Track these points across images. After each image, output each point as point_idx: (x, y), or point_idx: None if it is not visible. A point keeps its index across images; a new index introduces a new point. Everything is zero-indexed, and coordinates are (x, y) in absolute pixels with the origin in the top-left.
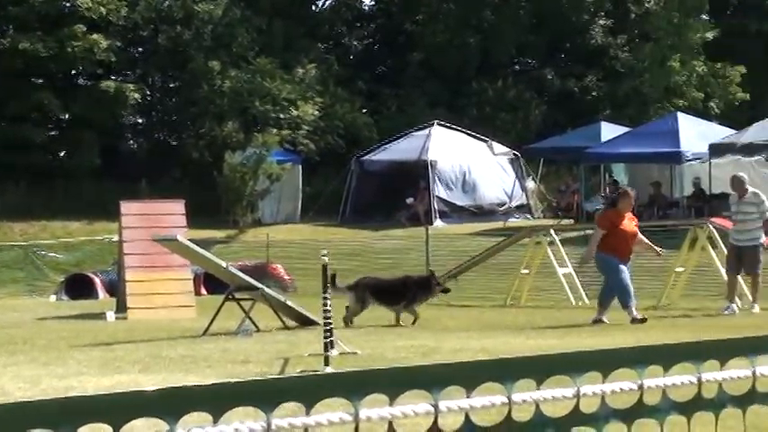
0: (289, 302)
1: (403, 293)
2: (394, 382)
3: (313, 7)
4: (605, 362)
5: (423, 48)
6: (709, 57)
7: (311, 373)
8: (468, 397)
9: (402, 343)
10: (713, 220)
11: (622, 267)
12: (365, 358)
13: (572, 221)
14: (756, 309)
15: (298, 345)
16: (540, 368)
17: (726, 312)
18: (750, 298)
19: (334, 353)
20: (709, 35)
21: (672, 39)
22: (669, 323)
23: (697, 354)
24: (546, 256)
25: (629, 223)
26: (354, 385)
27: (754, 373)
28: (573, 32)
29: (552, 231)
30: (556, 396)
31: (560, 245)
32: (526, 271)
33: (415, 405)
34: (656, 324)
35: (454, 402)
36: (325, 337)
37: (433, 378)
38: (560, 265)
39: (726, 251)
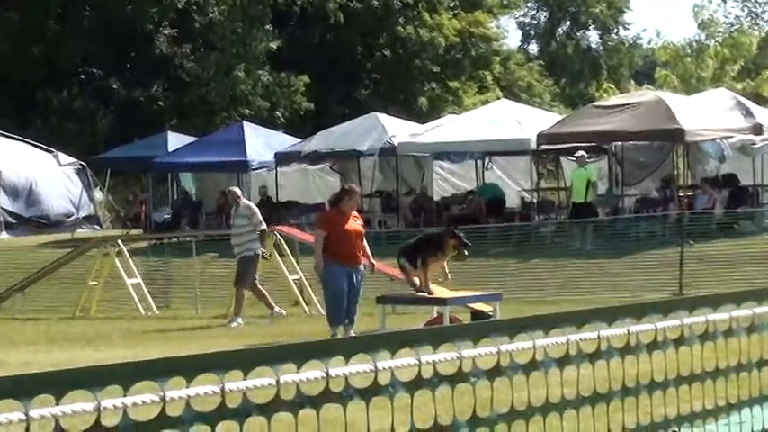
0: None
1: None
2: None
3: None
4: (189, 367)
5: None
6: (273, 66)
7: None
8: (57, 404)
9: None
10: (279, 227)
11: (340, 279)
12: None
13: (140, 231)
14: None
15: None
16: (129, 375)
17: (233, 325)
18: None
19: None
20: (273, 45)
21: (237, 48)
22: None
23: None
24: (114, 266)
25: (353, 222)
26: None
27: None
28: (138, 42)
29: (120, 242)
30: (145, 401)
31: (129, 255)
32: (95, 282)
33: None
34: (225, 333)
35: (46, 410)
36: None
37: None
38: (129, 276)
39: (293, 259)
